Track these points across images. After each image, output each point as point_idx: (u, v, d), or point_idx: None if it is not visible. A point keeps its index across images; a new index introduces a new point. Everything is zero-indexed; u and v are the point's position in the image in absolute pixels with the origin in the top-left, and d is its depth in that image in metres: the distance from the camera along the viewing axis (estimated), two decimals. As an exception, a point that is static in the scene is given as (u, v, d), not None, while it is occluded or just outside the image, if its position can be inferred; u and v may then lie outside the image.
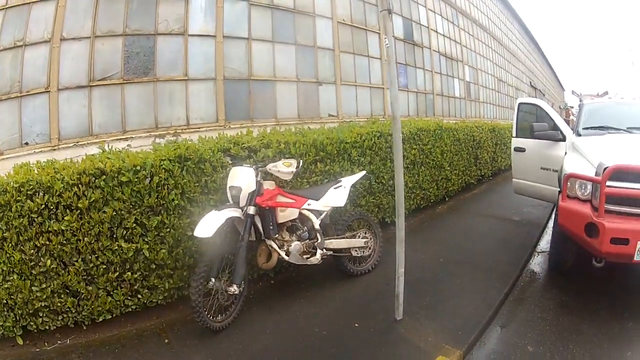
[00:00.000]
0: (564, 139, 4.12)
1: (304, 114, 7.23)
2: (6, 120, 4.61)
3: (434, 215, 5.73)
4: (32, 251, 2.56)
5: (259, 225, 3.02)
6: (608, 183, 2.65)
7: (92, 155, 2.93)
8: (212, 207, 2.91)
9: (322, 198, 3.36)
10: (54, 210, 2.59)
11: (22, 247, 2.55)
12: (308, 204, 3.27)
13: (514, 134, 4.85)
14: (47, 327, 2.72)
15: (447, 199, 6.43)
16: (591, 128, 4.09)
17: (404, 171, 3.32)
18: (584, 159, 3.27)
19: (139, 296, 2.90)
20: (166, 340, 2.71)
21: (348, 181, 3.63)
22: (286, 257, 3.07)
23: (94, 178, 2.66)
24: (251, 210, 2.87)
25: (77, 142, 4.85)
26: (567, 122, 5.26)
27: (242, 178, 2.91)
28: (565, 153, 3.81)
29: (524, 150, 4.61)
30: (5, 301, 2.58)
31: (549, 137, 4.21)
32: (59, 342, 2.72)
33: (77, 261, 2.66)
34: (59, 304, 2.68)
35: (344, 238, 3.49)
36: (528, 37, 24.93)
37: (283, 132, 3.91)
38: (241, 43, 6.34)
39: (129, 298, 2.87)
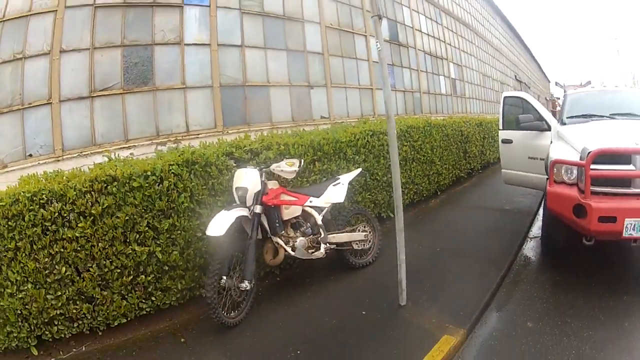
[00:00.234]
0: (549, 129, 4.26)
1: (297, 116, 7.38)
2: (9, 132, 4.64)
3: (427, 209, 5.87)
4: (46, 259, 2.58)
5: (265, 223, 3.15)
6: (592, 166, 2.80)
7: (100, 163, 3.02)
8: (219, 208, 3.02)
9: (322, 195, 3.51)
10: (68, 217, 2.65)
11: (36, 256, 2.57)
12: (310, 201, 3.41)
13: (500, 126, 4.99)
14: (62, 336, 2.71)
15: (439, 193, 6.58)
16: (575, 117, 4.25)
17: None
18: (568, 145, 3.42)
19: (153, 298, 2.98)
20: (182, 340, 2.79)
21: (346, 178, 3.78)
22: (292, 253, 3.19)
23: (105, 185, 2.74)
24: (258, 209, 3.00)
25: (81, 152, 4.90)
26: (554, 113, 5.41)
27: (248, 179, 3.03)
28: (551, 142, 3.97)
29: (511, 142, 4.76)
30: (19, 311, 2.57)
31: (534, 127, 4.35)
32: (74, 349, 2.72)
33: (91, 267, 2.72)
34: (74, 311, 2.69)
35: (344, 232, 3.63)
36: (511, 32, 25.44)
37: (281, 134, 4.03)
38: (235, 50, 6.48)
39: (143, 301, 2.94)
